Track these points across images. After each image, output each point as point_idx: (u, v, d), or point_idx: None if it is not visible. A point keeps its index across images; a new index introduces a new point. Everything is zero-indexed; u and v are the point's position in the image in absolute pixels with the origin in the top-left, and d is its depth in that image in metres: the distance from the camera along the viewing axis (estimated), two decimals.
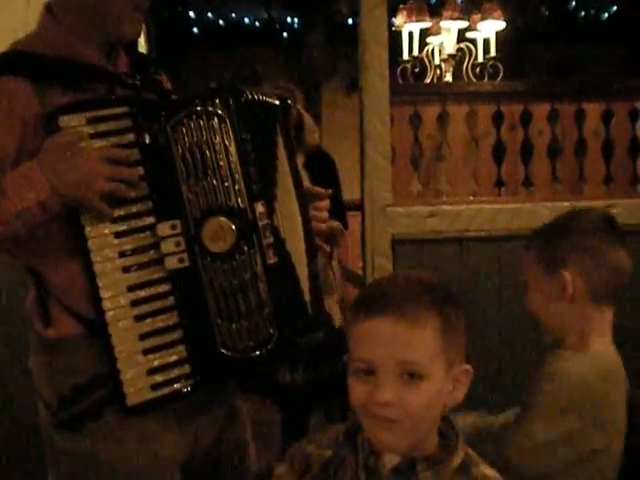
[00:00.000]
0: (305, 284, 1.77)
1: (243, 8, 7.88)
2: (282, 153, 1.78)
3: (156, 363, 1.66)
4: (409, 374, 1.33)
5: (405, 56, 5.79)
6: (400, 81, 5.31)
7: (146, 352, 1.66)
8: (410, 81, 5.45)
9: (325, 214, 1.94)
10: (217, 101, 1.68)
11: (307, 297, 1.77)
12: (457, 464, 1.38)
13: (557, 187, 4.06)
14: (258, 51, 8.10)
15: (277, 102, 1.82)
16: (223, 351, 1.68)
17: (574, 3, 7.29)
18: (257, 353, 1.69)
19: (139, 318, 1.65)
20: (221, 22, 8.01)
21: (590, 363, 1.81)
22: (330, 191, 1.98)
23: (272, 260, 1.70)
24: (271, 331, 1.69)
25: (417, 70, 5.72)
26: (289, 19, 8.04)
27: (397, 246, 3.52)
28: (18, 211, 1.55)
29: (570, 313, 1.85)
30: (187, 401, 1.72)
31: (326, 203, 1.95)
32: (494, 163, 3.96)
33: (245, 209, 1.68)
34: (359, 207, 3.58)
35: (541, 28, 7.14)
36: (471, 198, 3.84)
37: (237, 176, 1.68)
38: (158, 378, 1.67)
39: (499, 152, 4.01)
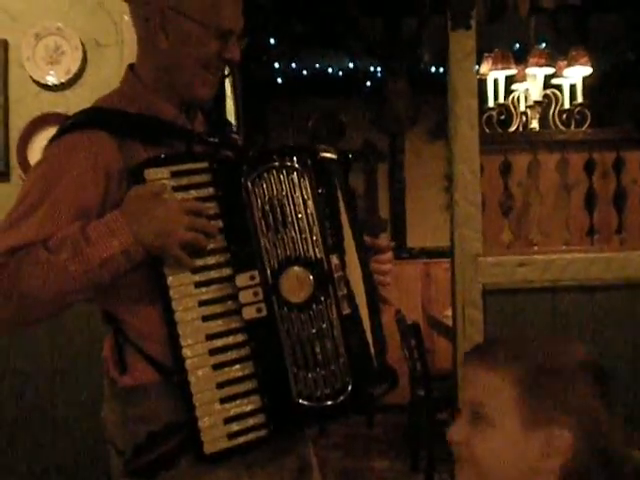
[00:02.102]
0: (370, 338, 1.79)
1: (326, 58, 7.97)
2: (343, 207, 1.82)
3: (232, 412, 1.68)
4: (477, 416, 1.35)
5: (490, 103, 5.76)
6: (485, 128, 5.29)
7: (223, 401, 1.68)
8: (496, 128, 5.42)
9: (388, 266, 1.96)
10: (295, 157, 1.74)
11: (372, 350, 1.79)
12: None
13: None
14: (341, 100, 8.18)
15: (336, 157, 1.86)
16: (299, 400, 1.69)
17: None
18: (331, 402, 1.70)
19: (217, 367, 1.68)
20: (305, 72, 8.12)
21: None
22: (392, 243, 2.01)
23: (347, 311, 1.74)
24: (347, 379, 1.71)
25: (503, 117, 5.69)
26: (372, 68, 8.10)
27: (488, 296, 3.47)
28: (102, 259, 1.59)
29: None
30: (258, 451, 1.73)
31: (389, 255, 1.97)
32: (586, 211, 3.90)
33: (322, 260, 1.72)
34: (443, 254, 3.57)
35: (629, 72, 7.05)
36: (563, 247, 3.77)
37: (315, 229, 1.72)
38: (234, 427, 1.68)
39: (591, 200, 3.95)
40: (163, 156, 1.70)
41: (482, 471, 1.35)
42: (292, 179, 1.72)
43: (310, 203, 1.73)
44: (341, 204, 1.81)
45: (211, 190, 1.71)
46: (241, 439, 1.69)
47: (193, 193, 1.69)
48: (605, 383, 1.38)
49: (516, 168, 3.81)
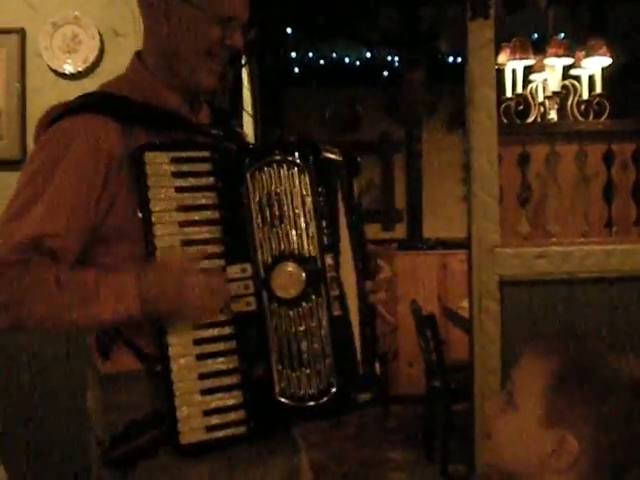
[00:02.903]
0: (358, 344, 1.76)
1: (344, 47, 7.94)
2: (342, 209, 1.79)
3: (213, 405, 1.67)
4: (509, 396, 1.38)
5: (508, 94, 5.73)
6: (503, 119, 5.26)
7: (204, 393, 1.66)
8: (514, 119, 5.39)
9: (382, 294, 1.90)
10: (297, 153, 1.71)
11: (360, 355, 1.76)
12: None
13: None
14: (358, 90, 8.15)
15: (341, 158, 1.83)
16: (281, 399, 1.67)
17: None
18: (314, 403, 1.67)
19: (200, 357, 1.66)
20: (321, 62, 8.09)
21: None
22: (390, 274, 1.96)
23: (337, 312, 1.71)
24: (332, 381, 1.68)
25: (521, 108, 5.65)
26: (389, 57, 8.07)
27: (505, 288, 3.46)
28: (104, 319, 1.59)
29: None
30: (243, 450, 1.72)
31: (387, 276, 1.92)
32: (604, 203, 3.87)
33: (316, 258, 1.69)
34: (460, 245, 3.55)
35: None
36: (581, 239, 3.75)
37: (311, 226, 1.70)
38: (213, 420, 1.67)
39: (609, 192, 3.92)
40: (165, 141, 1.70)
41: (497, 450, 1.38)
42: (292, 174, 1.70)
43: (309, 200, 1.70)
44: (340, 205, 1.78)
45: (210, 180, 1.70)
46: (220, 433, 1.67)
47: (192, 181, 1.68)
48: None
49: (534, 159, 3.79)
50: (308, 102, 8.18)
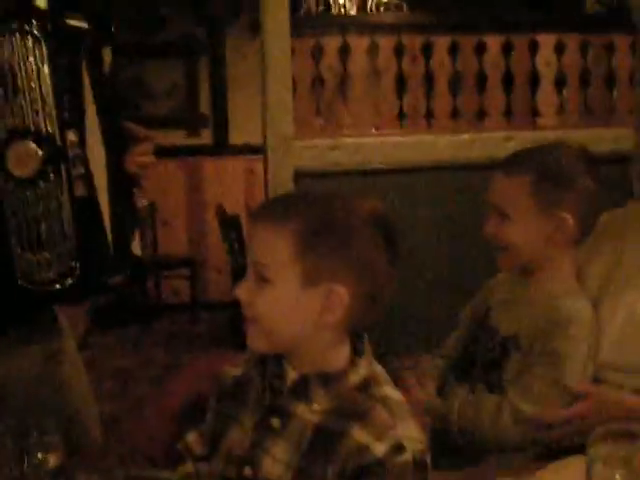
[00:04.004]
0: (108, 224, 1.70)
1: None
2: (88, 82, 1.70)
3: None
4: (260, 276, 1.34)
5: None
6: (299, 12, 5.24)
7: None
8: (309, 10, 5.38)
9: (145, 159, 1.85)
10: (34, 22, 1.59)
11: (110, 237, 1.70)
12: (356, 382, 1.37)
13: (458, 119, 4.09)
14: None
15: (88, 25, 1.71)
16: (22, 283, 1.60)
17: None
18: (58, 287, 1.61)
19: None
20: None
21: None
22: (150, 134, 1.89)
23: (80, 192, 1.63)
24: (73, 264, 1.62)
25: (322, 8, 5.64)
26: None
27: (299, 179, 3.50)
28: None
29: (557, 254, 1.82)
30: None
31: (148, 147, 1.86)
32: (396, 96, 3.95)
33: (54, 135, 1.60)
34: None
35: None
36: (373, 131, 3.83)
37: (49, 100, 1.59)
38: None
39: (401, 85, 4.00)
40: None
41: (266, 329, 1.37)
42: (26, 44, 1.58)
43: (45, 73, 1.60)
44: (86, 78, 1.67)
45: None
46: None
47: None
48: (390, 237, 1.40)
49: (327, 51, 3.81)
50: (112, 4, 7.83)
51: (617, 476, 0.90)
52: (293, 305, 1.35)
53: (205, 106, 8.07)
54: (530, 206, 1.80)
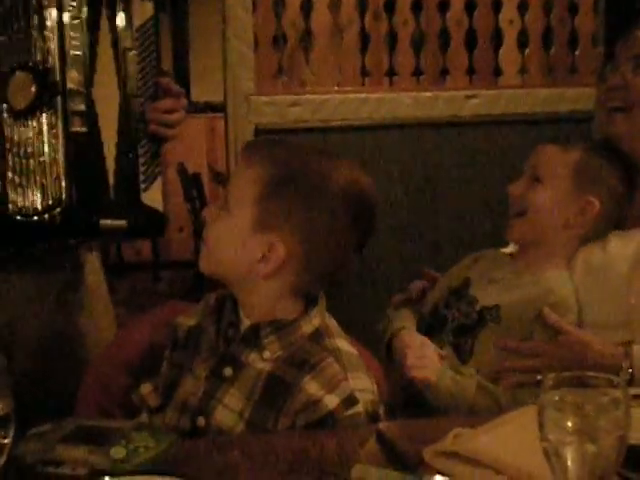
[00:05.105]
0: (111, 167, 1.74)
1: None
2: (106, 28, 1.75)
3: None
4: (225, 202, 1.40)
5: None
6: None
7: None
8: None
9: (174, 116, 1.90)
10: None
11: (112, 180, 1.74)
12: (308, 332, 1.37)
13: (420, 77, 4.07)
14: None
15: None
16: (14, 215, 1.65)
17: None
18: (44, 218, 1.65)
19: None
20: None
21: None
22: (183, 91, 1.93)
23: (78, 128, 1.67)
24: (62, 197, 1.65)
25: None
26: None
27: (260, 136, 3.47)
28: None
29: (565, 239, 1.83)
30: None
31: (178, 103, 1.88)
32: (358, 53, 3.91)
33: (53, 70, 1.64)
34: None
35: None
36: (335, 88, 3.80)
37: (54, 38, 1.64)
38: None
39: (364, 42, 3.96)
40: None
41: (210, 251, 1.41)
42: None
43: (53, 10, 1.64)
44: (104, 23, 1.72)
45: None
46: None
47: None
48: (360, 218, 1.39)
49: (289, 5, 3.75)
50: None
51: (568, 422, 0.90)
52: (237, 242, 1.36)
53: (166, 63, 7.97)
54: (567, 178, 1.83)
